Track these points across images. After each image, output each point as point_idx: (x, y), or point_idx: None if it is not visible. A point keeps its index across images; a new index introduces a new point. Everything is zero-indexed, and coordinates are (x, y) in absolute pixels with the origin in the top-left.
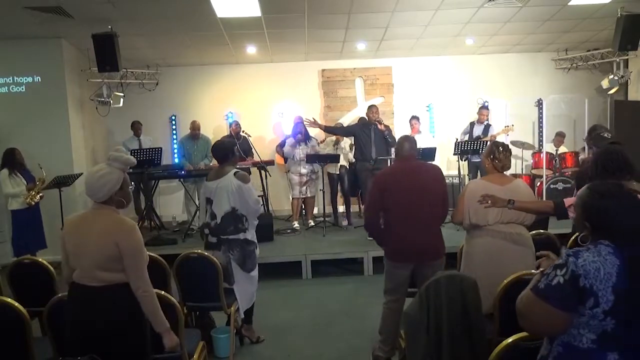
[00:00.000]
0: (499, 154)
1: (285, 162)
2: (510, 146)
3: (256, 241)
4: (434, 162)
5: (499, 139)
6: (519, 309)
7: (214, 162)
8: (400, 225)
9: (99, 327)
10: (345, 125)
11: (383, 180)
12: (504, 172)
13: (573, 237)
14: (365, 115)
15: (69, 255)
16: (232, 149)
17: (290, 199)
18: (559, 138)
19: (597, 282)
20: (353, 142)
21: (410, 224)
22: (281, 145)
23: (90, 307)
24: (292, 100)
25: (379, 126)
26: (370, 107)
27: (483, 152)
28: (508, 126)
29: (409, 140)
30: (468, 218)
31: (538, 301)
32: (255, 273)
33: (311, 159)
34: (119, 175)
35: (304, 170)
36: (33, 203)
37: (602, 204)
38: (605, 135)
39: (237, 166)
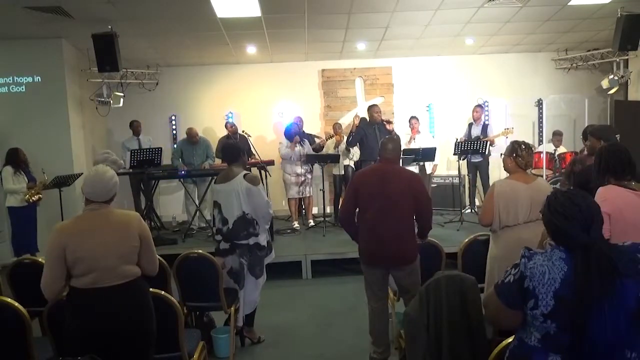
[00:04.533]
0: (522, 152)
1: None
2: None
3: (269, 245)
4: (434, 162)
5: (498, 141)
6: (483, 300)
7: (218, 161)
8: (367, 228)
9: (120, 327)
10: (345, 125)
11: (357, 180)
12: (527, 171)
13: None
14: (366, 116)
15: (76, 263)
16: (242, 149)
17: (287, 199)
18: (558, 137)
19: (539, 285)
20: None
21: (377, 229)
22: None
23: (112, 307)
24: (292, 100)
25: (387, 126)
26: (372, 107)
27: (505, 151)
28: (508, 129)
29: (393, 141)
30: (498, 218)
31: (494, 296)
32: (262, 280)
33: (311, 159)
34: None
35: (300, 171)
36: (32, 200)
37: (558, 221)
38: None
39: None
